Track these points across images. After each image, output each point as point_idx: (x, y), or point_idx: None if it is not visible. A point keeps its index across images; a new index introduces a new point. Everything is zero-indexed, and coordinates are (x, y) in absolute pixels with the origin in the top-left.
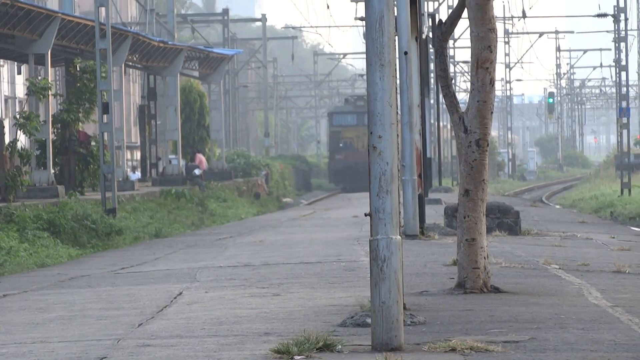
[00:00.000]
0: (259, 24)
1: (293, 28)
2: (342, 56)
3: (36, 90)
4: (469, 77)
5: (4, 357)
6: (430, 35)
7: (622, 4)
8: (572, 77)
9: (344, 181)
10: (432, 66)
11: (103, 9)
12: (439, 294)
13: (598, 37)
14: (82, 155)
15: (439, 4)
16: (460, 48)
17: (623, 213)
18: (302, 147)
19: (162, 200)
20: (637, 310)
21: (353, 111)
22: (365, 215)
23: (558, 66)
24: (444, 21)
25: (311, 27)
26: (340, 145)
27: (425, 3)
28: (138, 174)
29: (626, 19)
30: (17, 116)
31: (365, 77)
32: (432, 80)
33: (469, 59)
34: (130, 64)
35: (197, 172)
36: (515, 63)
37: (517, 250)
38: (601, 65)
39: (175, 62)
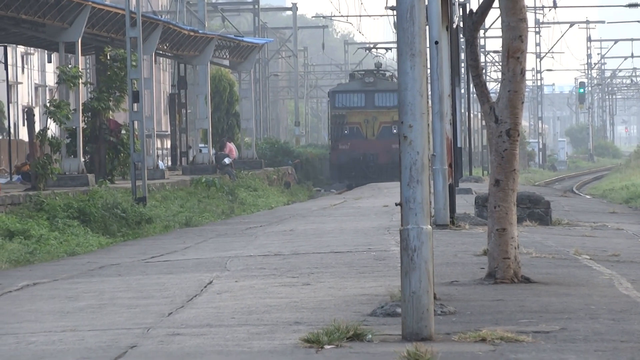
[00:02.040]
0: (289, 13)
1: (324, 17)
2: (373, 45)
3: (66, 79)
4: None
5: (34, 346)
6: (461, 24)
7: None
8: (603, 67)
9: (349, 177)
10: (462, 56)
11: None
12: (469, 284)
13: (629, 27)
14: (113, 144)
15: None
16: (491, 38)
17: None
18: None
19: (192, 189)
20: None
21: (360, 89)
22: (396, 204)
23: (589, 56)
24: (474, 11)
25: (342, 16)
26: (345, 132)
27: None
28: (162, 164)
29: None
30: (48, 104)
31: (374, 51)
32: (462, 70)
33: (499, 48)
34: (161, 52)
35: (227, 160)
36: (546, 53)
37: (547, 241)
38: (632, 56)
39: (206, 51)
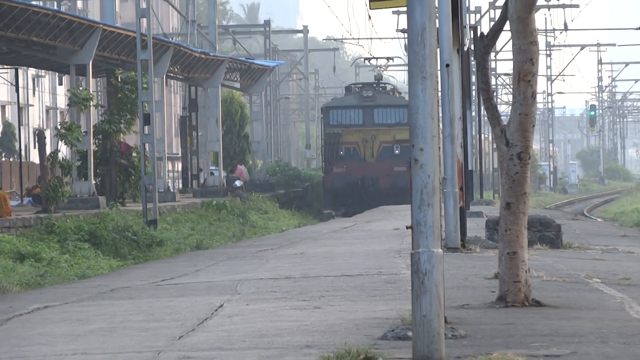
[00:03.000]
0: (300, 35)
1: (335, 40)
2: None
3: (77, 101)
4: (510, 90)
5: None
6: (472, 47)
7: None
8: (613, 90)
9: (346, 204)
10: (473, 78)
11: (144, 20)
12: (480, 307)
13: None
14: (124, 166)
15: (481, 17)
16: (502, 60)
17: None
18: None
19: (203, 211)
20: None
21: (357, 105)
22: (407, 227)
23: (600, 79)
24: (485, 34)
25: (353, 38)
26: (340, 153)
27: (467, 15)
28: (171, 187)
29: None
30: (59, 127)
31: (373, 61)
32: (473, 93)
33: (510, 71)
34: (172, 75)
35: (238, 183)
36: (557, 76)
37: (558, 264)
38: None
39: (217, 73)
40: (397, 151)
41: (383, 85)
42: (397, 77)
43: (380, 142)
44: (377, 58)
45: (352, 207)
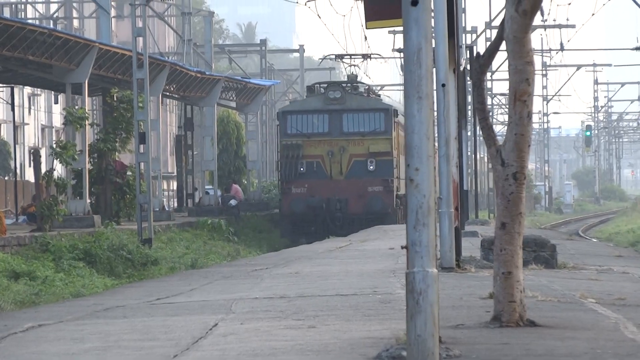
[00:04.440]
0: (296, 54)
1: (330, 59)
2: (379, 88)
3: (73, 120)
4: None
5: None
6: (468, 67)
7: None
8: (609, 110)
9: (307, 232)
10: (469, 98)
11: (141, 39)
12: (474, 327)
13: (636, 70)
14: (119, 185)
15: (477, 37)
16: (498, 80)
17: None
18: None
19: (198, 230)
20: None
21: (322, 109)
22: (402, 247)
23: (596, 99)
24: (482, 54)
25: (349, 57)
26: (301, 169)
27: (463, 35)
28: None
29: None
30: (54, 145)
31: (346, 60)
32: (469, 113)
33: (506, 91)
34: (168, 94)
35: (233, 202)
36: (553, 96)
37: (553, 284)
38: (639, 99)
39: (213, 92)
40: (371, 167)
41: (354, 84)
42: (393, 96)
43: (351, 155)
44: (351, 55)
45: (314, 236)
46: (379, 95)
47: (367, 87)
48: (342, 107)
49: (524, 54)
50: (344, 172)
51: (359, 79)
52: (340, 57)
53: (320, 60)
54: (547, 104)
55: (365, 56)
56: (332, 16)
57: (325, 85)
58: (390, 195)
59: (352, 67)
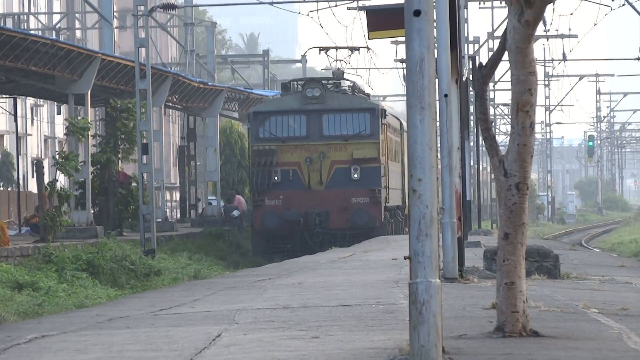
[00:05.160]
0: (299, 65)
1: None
2: (382, 98)
3: (75, 131)
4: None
5: None
6: (471, 77)
7: None
8: (612, 120)
9: (283, 250)
10: (472, 109)
11: (143, 50)
12: (477, 337)
13: (639, 80)
14: (122, 196)
15: (479, 47)
16: (501, 90)
17: None
18: None
19: (201, 241)
20: None
21: (299, 109)
22: (405, 258)
23: (598, 109)
24: (484, 64)
25: (351, 68)
26: (275, 179)
27: (466, 46)
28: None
29: None
30: (57, 156)
31: (332, 53)
32: (472, 123)
33: (509, 101)
34: (170, 104)
35: (235, 213)
36: (556, 106)
37: (556, 294)
38: None
39: (215, 103)
40: (355, 175)
41: (336, 82)
42: (395, 107)
43: (332, 162)
44: (337, 48)
45: (290, 255)
46: (368, 95)
47: (352, 84)
48: (322, 107)
49: (526, 64)
50: (324, 182)
51: (362, 88)
52: (325, 49)
53: (302, 56)
54: (549, 114)
55: (353, 49)
56: (334, 27)
57: (304, 81)
58: (377, 208)
59: (338, 61)
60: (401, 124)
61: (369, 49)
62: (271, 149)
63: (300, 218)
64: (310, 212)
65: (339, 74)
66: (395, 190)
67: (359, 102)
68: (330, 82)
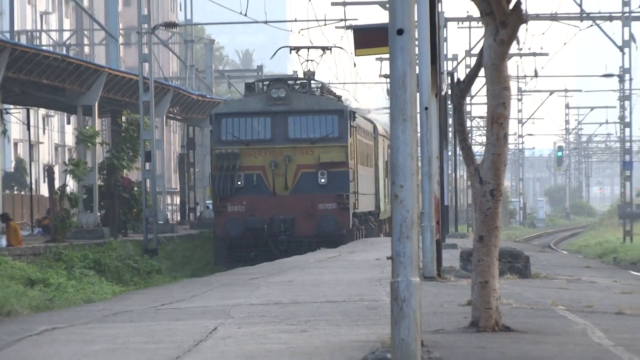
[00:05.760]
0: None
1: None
2: (368, 111)
3: (84, 139)
4: (484, 132)
5: None
6: (449, 92)
7: (627, 65)
8: (579, 132)
9: (246, 258)
10: (450, 121)
11: (147, 64)
12: (454, 332)
13: (604, 96)
14: (126, 200)
15: (458, 63)
16: (477, 104)
17: (625, 259)
18: None
19: (199, 242)
20: (638, 349)
21: (263, 111)
22: (387, 258)
23: (567, 122)
24: (462, 79)
25: (339, 83)
26: (238, 183)
27: (445, 62)
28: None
29: (630, 79)
30: (67, 163)
31: (302, 53)
32: (450, 134)
33: (484, 114)
34: (171, 115)
35: None
36: (527, 119)
37: (526, 292)
38: (607, 122)
39: None
40: (322, 180)
41: (303, 82)
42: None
43: (298, 166)
44: (308, 48)
45: (254, 263)
46: (339, 97)
47: (320, 85)
48: (288, 108)
49: (501, 80)
50: (289, 187)
51: (349, 102)
52: (296, 49)
53: (272, 56)
54: (522, 126)
55: (325, 48)
56: (323, 44)
57: (269, 81)
58: (345, 214)
59: (309, 61)
60: (375, 127)
61: (341, 48)
62: (234, 152)
63: (265, 225)
64: (275, 219)
65: (309, 75)
66: (367, 195)
67: (327, 104)
68: (297, 82)
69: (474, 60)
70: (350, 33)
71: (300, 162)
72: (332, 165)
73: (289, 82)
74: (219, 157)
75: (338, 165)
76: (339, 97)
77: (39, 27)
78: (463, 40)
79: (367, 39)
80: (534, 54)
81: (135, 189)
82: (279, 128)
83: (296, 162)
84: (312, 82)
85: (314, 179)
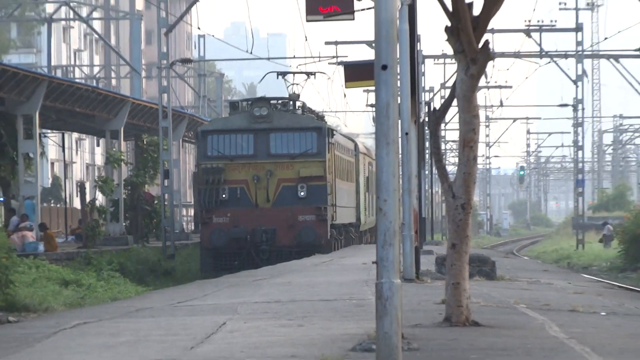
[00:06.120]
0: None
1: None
2: (357, 135)
3: (111, 160)
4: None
5: None
6: (427, 119)
7: (579, 96)
8: (539, 154)
9: (231, 267)
10: (427, 144)
11: (165, 95)
12: (430, 326)
13: (560, 123)
14: (148, 212)
15: (434, 95)
16: (450, 130)
17: (578, 264)
18: None
19: None
20: (588, 341)
21: (246, 128)
22: (373, 262)
23: (528, 145)
24: (437, 108)
25: (331, 111)
26: (223, 196)
27: (423, 94)
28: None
29: (583, 109)
30: (96, 180)
31: (289, 77)
32: (427, 156)
33: (457, 138)
34: (187, 139)
35: None
36: (494, 142)
37: (492, 292)
38: (562, 145)
39: None
40: (302, 193)
41: (284, 100)
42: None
43: (279, 180)
44: (294, 73)
45: (238, 271)
46: (321, 116)
47: (301, 104)
48: (269, 125)
49: (471, 109)
50: (271, 199)
51: (339, 128)
52: (282, 74)
53: (260, 80)
54: (489, 149)
55: (309, 74)
56: (318, 77)
57: (251, 101)
58: (323, 225)
59: (294, 85)
60: (356, 145)
61: (324, 73)
62: (219, 167)
63: (248, 235)
64: (257, 230)
65: (294, 97)
66: (347, 208)
67: (306, 122)
68: (279, 101)
69: (448, 91)
70: (341, 68)
71: (281, 177)
72: (311, 179)
73: (272, 101)
74: (204, 172)
75: (316, 179)
76: (322, 117)
77: (72, 63)
78: (438, 75)
79: (355, 73)
80: (500, 87)
81: (156, 202)
82: (261, 144)
83: (277, 176)
84: (297, 102)
85: (294, 192)
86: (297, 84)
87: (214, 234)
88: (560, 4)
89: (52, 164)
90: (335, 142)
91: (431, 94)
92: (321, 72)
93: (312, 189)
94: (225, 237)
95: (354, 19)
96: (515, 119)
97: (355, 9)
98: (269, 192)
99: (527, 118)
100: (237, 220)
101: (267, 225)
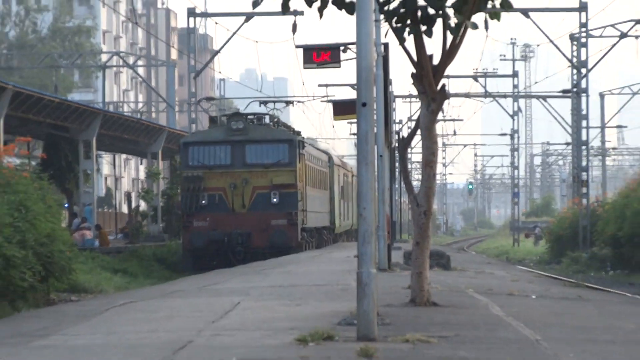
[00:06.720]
0: None
1: (309, 139)
2: (342, 157)
3: (152, 175)
4: (420, 172)
5: (126, 340)
6: (397, 145)
7: (515, 128)
8: (484, 172)
9: (210, 267)
10: (397, 164)
11: (194, 125)
12: (398, 306)
13: (501, 148)
14: (179, 216)
15: (402, 126)
16: (415, 153)
17: (514, 258)
18: None
19: None
20: (522, 318)
21: (224, 140)
22: (354, 256)
23: (475, 165)
24: (405, 137)
25: (322, 138)
26: (202, 202)
27: (394, 125)
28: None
29: (518, 137)
30: (140, 191)
31: (268, 105)
32: (397, 173)
33: (420, 160)
34: None
35: None
36: (449, 163)
37: (447, 280)
38: (502, 166)
39: None
40: (275, 199)
41: (258, 115)
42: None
43: (254, 187)
44: (274, 101)
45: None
46: (296, 131)
47: (276, 119)
48: (245, 137)
49: (431, 137)
50: (246, 205)
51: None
52: (264, 102)
53: (245, 108)
54: (445, 168)
55: (288, 102)
56: (312, 113)
57: (230, 114)
58: (294, 229)
59: (275, 110)
60: (330, 157)
61: (302, 102)
62: (199, 175)
63: (225, 238)
64: (233, 233)
65: (275, 117)
66: (319, 213)
67: (279, 134)
68: (254, 116)
69: (413, 123)
70: (330, 105)
71: (256, 184)
72: (283, 187)
73: (249, 116)
74: (186, 180)
75: (288, 187)
76: (298, 132)
77: (122, 100)
78: (406, 110)
79: (342, 108)
80: (454, 120)
81: None
82: (237, 155)
83: (252, 184)
84: (267, 114)
85: (267, 199)
86: (278, 109)
87: (194, 236)
88: (500, 55)
89: (106, 178)
90: (307, 153)
91: (400, 125)
92: (300, 101)
93: (283, 195)
94: (204, 239)
95: (340, 67)
96: (465, 145)
97: (341, 59)
98: (245, 198)
99: (475, 144)
100: (215, 224)
101: (242, 229)
